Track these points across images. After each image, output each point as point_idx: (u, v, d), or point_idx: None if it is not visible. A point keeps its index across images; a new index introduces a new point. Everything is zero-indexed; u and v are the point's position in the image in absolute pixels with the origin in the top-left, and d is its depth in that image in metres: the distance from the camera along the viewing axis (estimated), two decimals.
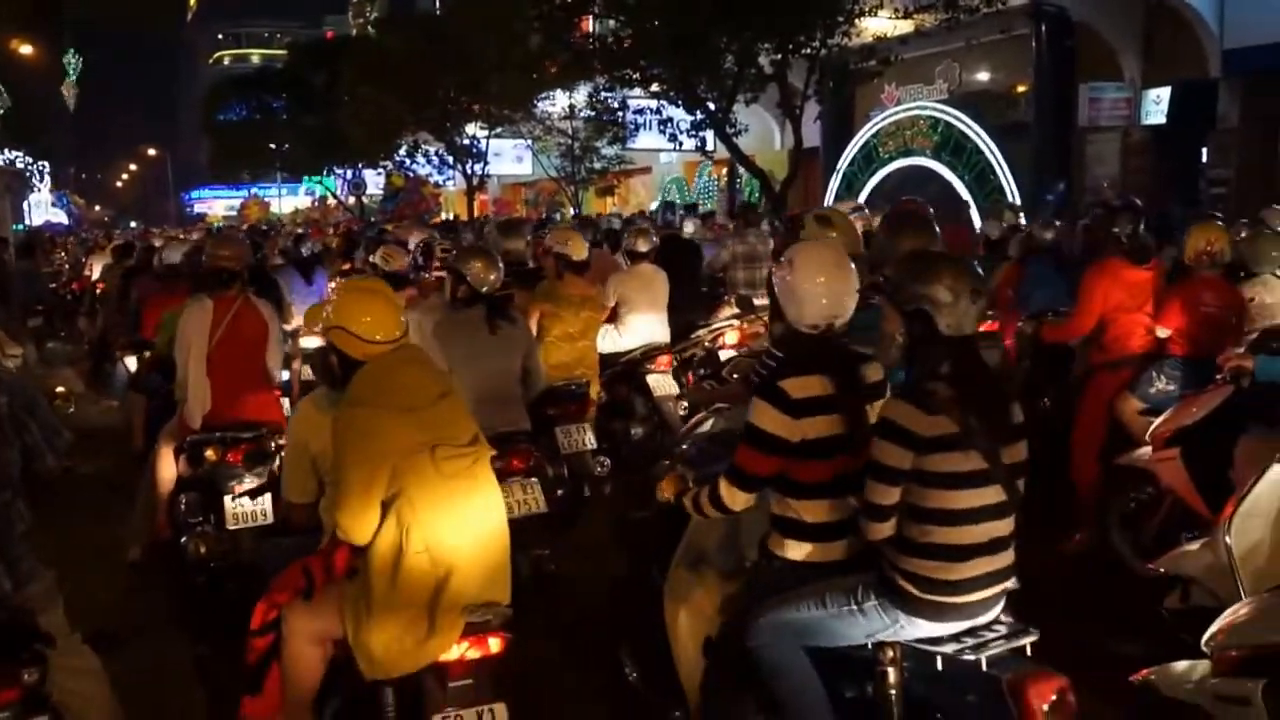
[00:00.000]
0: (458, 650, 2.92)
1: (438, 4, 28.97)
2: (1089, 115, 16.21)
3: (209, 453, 4.79)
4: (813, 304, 2.84)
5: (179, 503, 4.85)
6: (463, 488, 2.98)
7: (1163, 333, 5.22)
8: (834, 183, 17.48)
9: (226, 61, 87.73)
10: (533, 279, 6.13)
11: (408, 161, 27.15)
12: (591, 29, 18.73)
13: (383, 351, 3.07)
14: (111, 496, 6.14)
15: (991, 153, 15.40)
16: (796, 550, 2.83)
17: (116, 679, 3.23)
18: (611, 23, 16.87)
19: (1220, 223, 5.75)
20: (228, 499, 4.64)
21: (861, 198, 17.08)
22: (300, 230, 17.60)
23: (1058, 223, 9.13)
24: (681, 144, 17.66)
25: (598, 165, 23.16)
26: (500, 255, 5.80)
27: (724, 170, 23.14)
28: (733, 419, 3.61)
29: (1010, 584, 2.70)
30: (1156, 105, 16.10)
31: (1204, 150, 15.36)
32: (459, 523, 2.95)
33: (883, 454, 2.57)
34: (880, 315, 2.80)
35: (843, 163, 17.35)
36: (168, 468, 5.05)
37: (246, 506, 4.60)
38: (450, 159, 25.91)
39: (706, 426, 3.94)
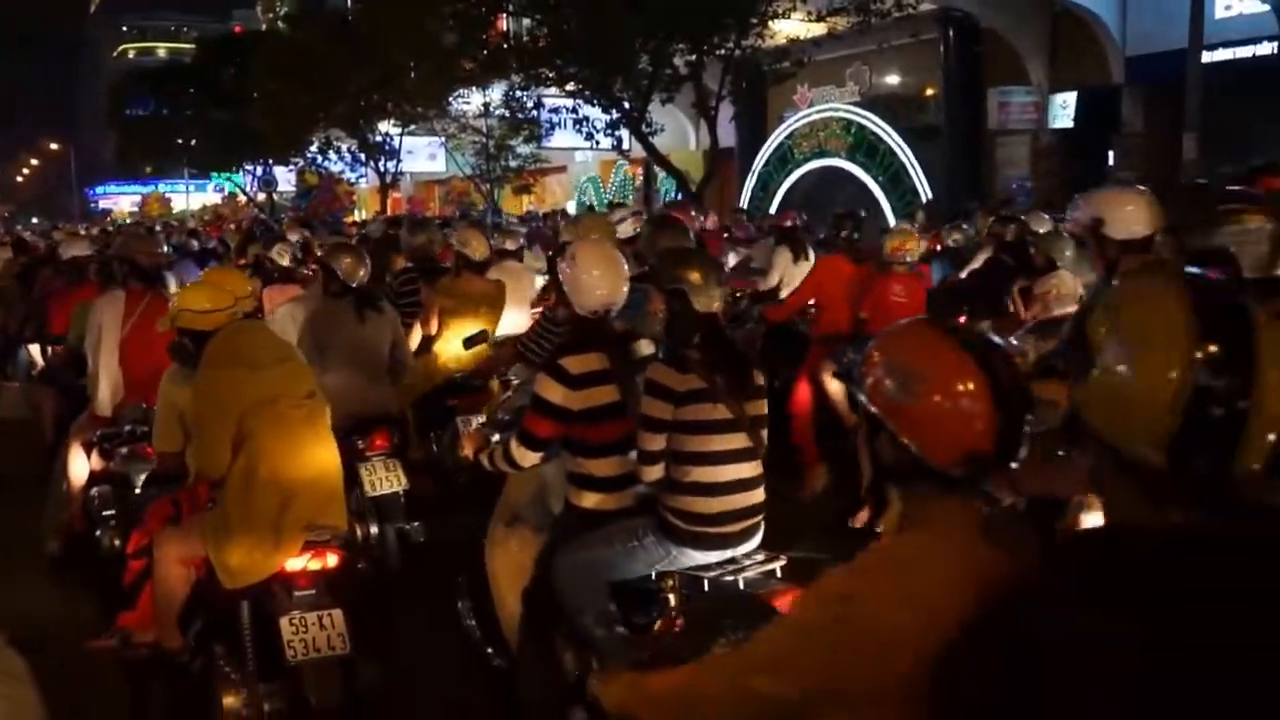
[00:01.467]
0: (300, 562, 3.45)
1: (349, 1, 28.40)
2: (998, 119, 16.51)
3: (119, 447, 4.88)
4: (589, 293, 3.28)
5: (92, 497, 5.03)
6: (301, 432, 3.57)
7: (864, 315, 6.07)
8: (750, 183, 17.56)
9: (132, 55, 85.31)
10: (437, 275, 6.29)
11: (320, 159, 26.61)
12: (507, 28, 18.53)
13: (222, 320, 3.71)
14: (28, 488, 6.04)
15: (904, 154, 15.61)
16: (589, 500, 3.29)
17: (39, 678, 3.15)
18: (527, 22, 16.72)
19: (910, 227, 7.22)
20: (139, 492, 4.74)
21: (777, 198, 17.18)
22: (193, 227, 17.19)
23: (965, 225, 9.25)
24: (598, 143, 17.58)
25: (513, 164, 22.93)
26: (408, 252, 6.40)
27: (640, 169, 23.09)
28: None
29: (760, 519, 3.19)
30: (1064, 110, 16.47)
31: (1110, 153, 15.77)
32: (299, 460, 3.54)
33: (649, 408, 3.09)
34: (645, 296, 3.36)
35: (758, 163, 17.44)
36: (79, 463, 5.20)
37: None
38: (363, 156, 25.45)
39: (519, 400, 4.40)
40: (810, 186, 16.80)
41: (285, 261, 7.26)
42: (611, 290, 3.27)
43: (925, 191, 14.86)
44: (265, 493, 3.46)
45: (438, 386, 5.69)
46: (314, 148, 26.33)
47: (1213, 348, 1.18)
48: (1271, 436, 1.17)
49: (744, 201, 17.10)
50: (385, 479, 4.83)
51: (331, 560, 3.48)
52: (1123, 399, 1.22)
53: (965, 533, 1.46)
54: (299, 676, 3.33)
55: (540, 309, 6.02)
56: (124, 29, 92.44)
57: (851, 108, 16.77)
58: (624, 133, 16.79)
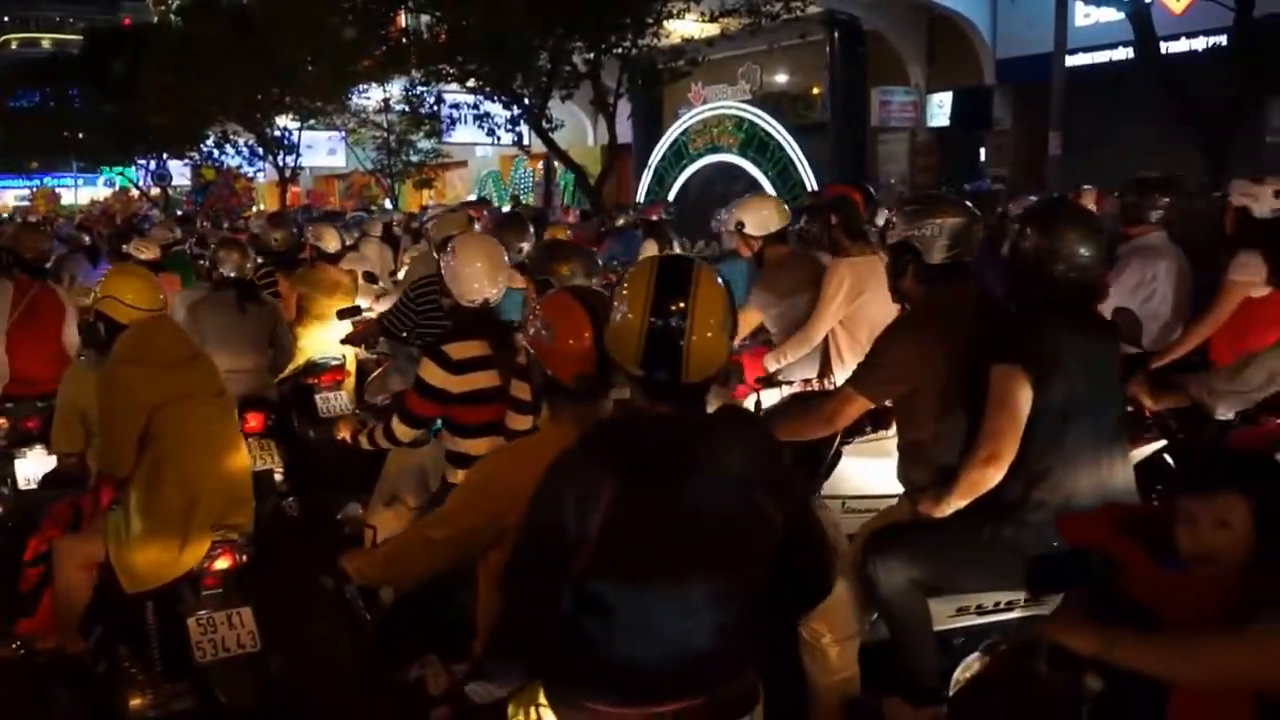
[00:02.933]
0: (207, 562, 3.45)
1: None
2: (880, 117, 17.28)
3: (1, 421, 5.10)
4: (469, 284, 3.52)
5: None
6: (210, 432, 3.58)
7: None
8: (646, 177, 17.98)
9: (14, 45, 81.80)
10: (295, 266, 6.83)
11: (216, 153, 26.22)
12: (406, 24, 18.64)
13: (143, 318, 3.64)
14: None
15: (792, 150, 16.20)
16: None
17: None
18: (426, 18, 16.87)
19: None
20: (19, 462, 4.98)
21: (673, 192, 17.66)
22: (78, 220, 17.08)
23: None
24: (499, 139, 17.83)
25: (414, 159, 22.99)
26: (268, 244, 7.04)
27: (540, 164, 23.39)
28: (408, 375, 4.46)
29: None
30: (940, 109, 17.31)
31: (982, 150, 16.66)
32: (208, 459, 3.54)
33: (516, 390, 3.30)
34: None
35: (654, 158, 17.87)
36: None
37: (35, 470, 4.86)
38: (261, 150, 25.18)
39: (395, 384, 4.92)
40: (704, 181, 17.31)
41: (144, 256, 7.39)
42: (490, 282, 3.51)
43: (812, 185, 15.49)
44: (172, 493, 3.43)
45: (298, 367, 6.14)
46: (210, 142, 25.95)
47: (662, 301, 1.95)
48: (689, 347, 1.93)
49: (640, 195, 17.54)
50: (259, 457, 5.16)
51: (238, 558, 3.48)
52: (618, 336, 2.01)
53: (578, 425, 2.18)
54: (207, 675, 3.34)
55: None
56: (5, 19, 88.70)
57: (743, 105, 17.32)
58: (524, 128, 17.07)
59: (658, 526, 1.93)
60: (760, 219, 4.78)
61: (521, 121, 16.79)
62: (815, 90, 18.89)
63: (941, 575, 2.89)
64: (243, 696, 3.33)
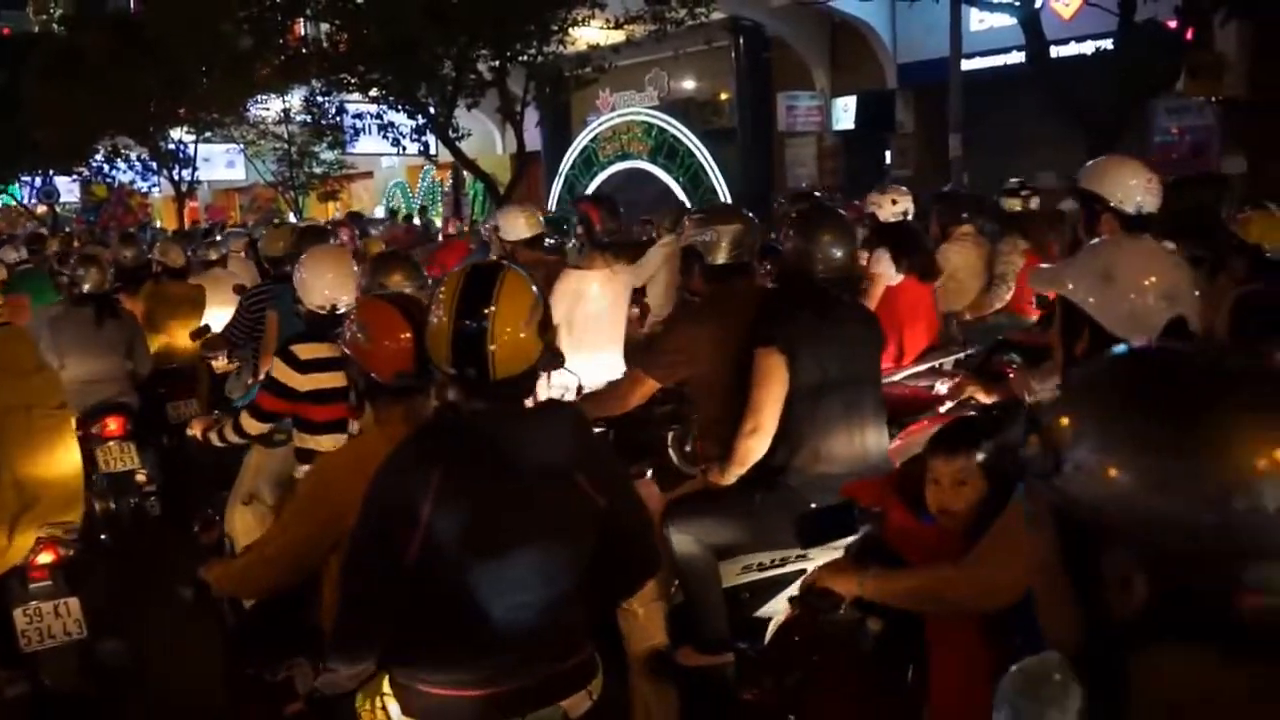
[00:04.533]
0: (32, 556, 3.68)
1: (133, 2, 27.10)
2: (787, 121, 17.52)
3: None
4: (317, 291, 3.81)
5: None
6: (49, 440, 3.79)
7: None
8: (557, 185, 17.99)
9: None
10: (142, 282, 7.18)
11: (106, 167, 25.30)
12: (305, 32, 18.27)
13: None
14: None
15: (702, 155, 16.38)
16: None
17: None
18: (326, 27, 16.56)
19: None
20: None
21: None
22: None
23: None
24: (404, 148, 17.58)
25: (317, 170, 22.55)
26: (120, 261, 7.27)
27: (448, 174, 23.16)
28: None
29: None
30: (845, 113, 17.65)
31: (887, 153, 17.02)
32: (43, 467, 3.76)
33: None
34: None
35: (564, 166, 17.89)
36: None
37: None
38: (155, 164, 24.39)
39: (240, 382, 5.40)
40: (616, 188, 17.38)
41: None
42: (336, 289, 3.80)
43: (723, 190, 15.65)
44: (8, 495, 3.63)
45: (148, 376, 6.47)
46: (99, 156, 25.03)
47: (467, 306, 2.11)
48: (494, 348, 2.10)
49: (552, 204, 17.52)
50: (119, 459, 5.63)
51: (63, 552, 3.73)
52: (432, 338, 2.17)
53: (405, 424, 2.40)
54: (36, 662, 3.63)
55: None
56: None
57: (651, 112, 17.46)
58: (430, 138, 16.87)
59: (482, 514, 2.06)
60: (512, 226, 5.67)
61: (427, 131, 16.59)
62: (723, 96, 19.09)
63: (727, 538, 3.27)
64: (68, 681, 3.64)
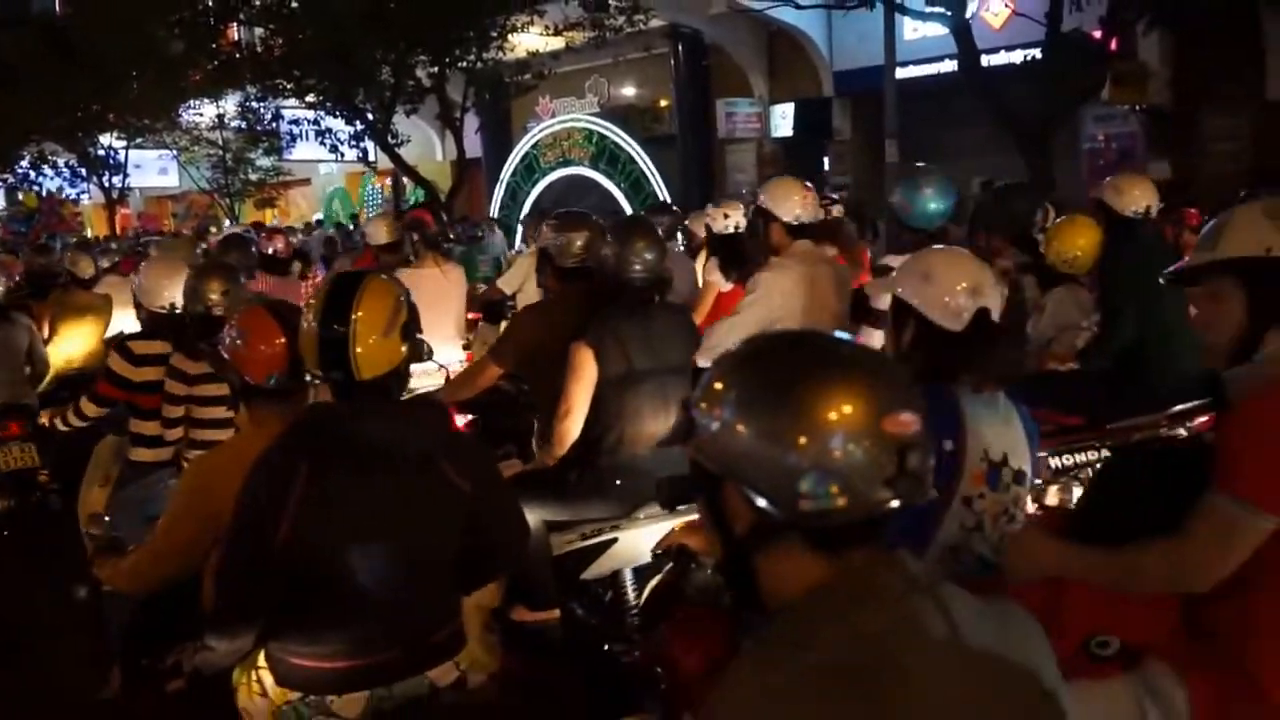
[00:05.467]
0: None
1: (57, 4, 26.48)
2: (726, 128, 17.69)
3: None
4: (156, 294, 4.29)
5: None
6: None
7: None
8: (498, 192, 17.93)
9: None
10: (50, 290, 7.31)
11: (33, 174, 24.68)
12: (239, 37, 18.04)
13: None
14: None
15: (643, 162, 16.43)
16: (139, 454, 4.21)
17: None
18: (260, 31, 16.36)
19: None
20: None
21: (526, 206, 17.65)
22: None
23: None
24: (343, 155, 17.42)
25: (253, 177, 22.24)
26: (33, 268, 7.53)
27: (387, 181, 23.00)
28: None
29: None
30: (783, 120, 17.84)
31: (825, 159, 17.26)
32: None
33: (170, 387, 4.03)
34: None
35: (505, 173, 17.84)
36: None
37: None
38: (84, 171, 23.84)
39: None
40: (558, 194, 17.36)
41: None
42: (175, 294, 4.22)
43: (664, 196, 15.74)
44: None
45: (51, 380, 6.60)
46: (25, 163, 24.41)
47: (330, 313, 2.29)
48: (358, 351, 2.28)
49: (494, 210, 17.48)
50: (19, 458, 5.88)
51: None
52: (302, 342, 2.39)
53: (280, 424, 2.45)
54: None
55: None
56: None
57: (592, 118, 17.49)
58: (369, 144, 16.75)
59: (348, 501, 2.24)
60: (374, 232, 6.68)
61: (365, 137, 16.47)
62: (663, 103, 19.20)
63: (553, 512, 3.63)
64: None
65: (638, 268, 3.68)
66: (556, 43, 15.55)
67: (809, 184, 4.39)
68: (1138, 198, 4.66)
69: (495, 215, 16.61)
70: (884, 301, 3.98)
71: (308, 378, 2.65)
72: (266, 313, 2.76)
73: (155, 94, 19.17)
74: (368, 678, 2.27)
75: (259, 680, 2.36)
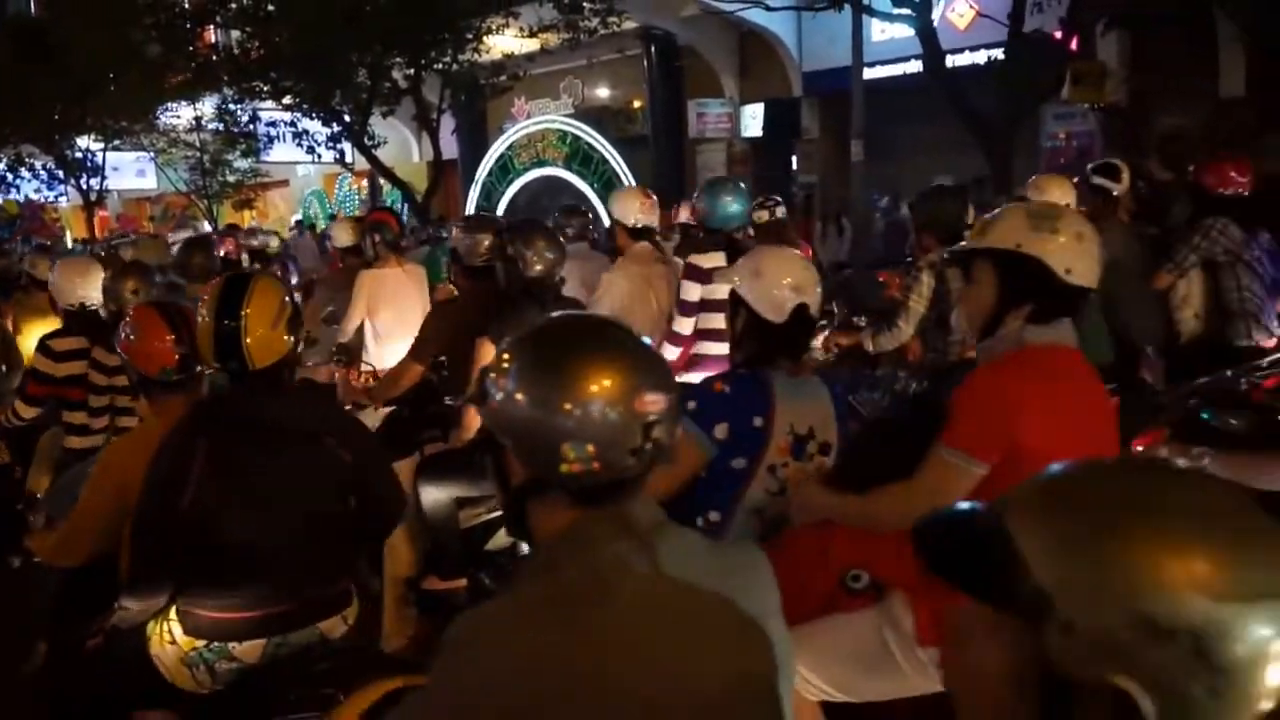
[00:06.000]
0: None
1: (33, 6, 26.44)
2: (697, 128, 17.90)
3: None
4: (70, 293, 4.61)
5: None
6: None
7: None
8: (473, 193, 18.12)
9: None
10: (12, 290, 7.68)
11: (10, 177, 24.64)
12: (215, 39, 18.12)
13: None
14: None
15: (616, 162, 16.66)
16: (73, 443, 4.46)
17: None
18: (237, 34, 16.47)
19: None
20: None
21: (501, 206, 17.85)
22: None
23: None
24: (320, 156, 17.55)
25: (231, 179, 22.31)
26: None
27: (365, 182, 23.13)
28: None
29: None
30: (753, 120, 18.07)
31: (794, 158, 17.50)
32: None
33: (93, 378, 4.33)
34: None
35: (481, 173, 18.02)
36: None
37: None
38: (61, 174, 23.82)
39: None
40: (532, 195, 17.57)
41: None
42: (86, 291, 4.60)
43: None
44: None
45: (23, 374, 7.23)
46: (2, 165, 24.38)
47: (223, 309, 2.61)
48: (249, 342, 2.60)
49: (470, 210, 17.65)
50: None
51: None
52: (199, 336, 2.71)
53: (177, 409, 2.82)
54: None
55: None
56: None
57: (567, 119, 17.69)
58: (346, 146, 16.89)
59: (242, 472, 2.56)
60: (338, 235, 7.10)
61: (342, 139, 16.60)
62: (636, 104, 19.42)
63: (461, 489, 3.95)
64: None
65: (539, 267, 4.08)
66: (531, 45, 15.73)
67: (650, 193, 5.08)
68: (1057, 197, 4.99)
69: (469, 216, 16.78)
70: (691, 293, 4.65)
71: (202, 369, 2.98)
72: (155, 313, 3.07)
73: (132, 96, 19.20)
74: (265, 627, 2.59)
75: (169, 631, 2.63)
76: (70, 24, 18.13)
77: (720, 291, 4.20)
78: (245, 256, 8.76)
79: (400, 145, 21.22)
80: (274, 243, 10.97)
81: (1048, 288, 2.32)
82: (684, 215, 7.78)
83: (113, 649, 2.77)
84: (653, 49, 18.19)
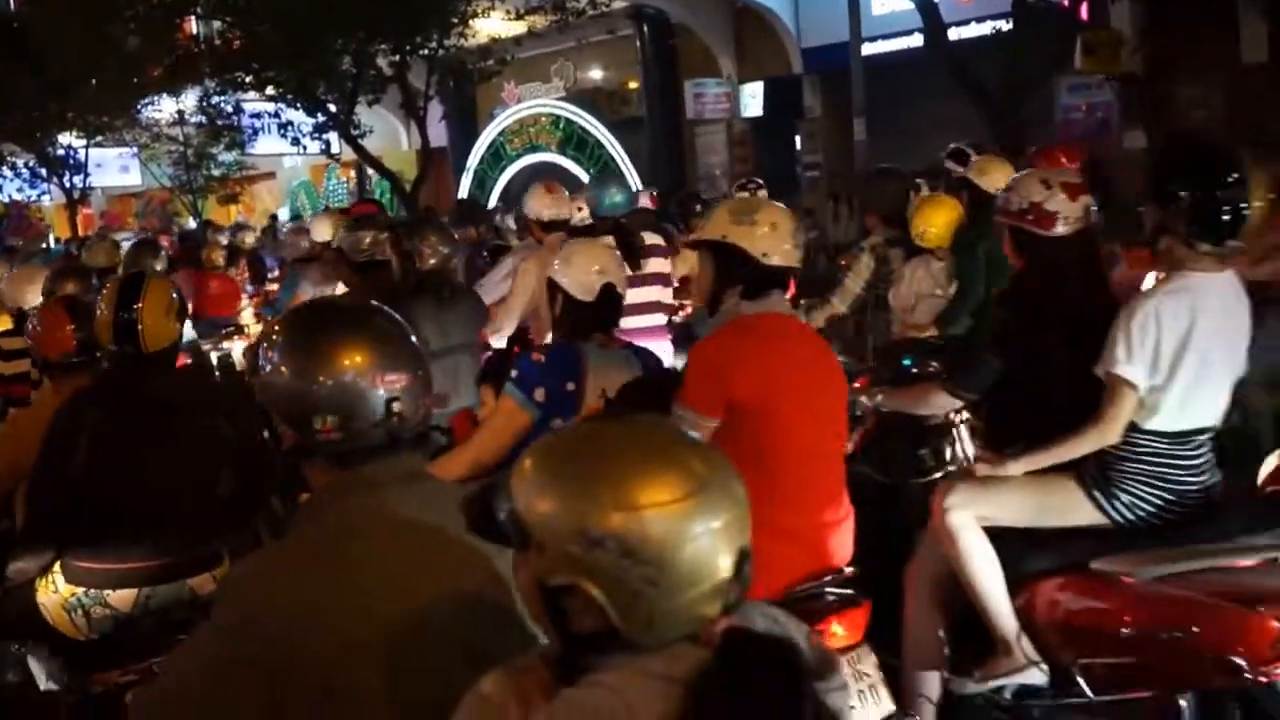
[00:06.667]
0: None
1: (11, 2, 25.94)
2: (695, 109, 17.41)
3: None
4: (20, 295, 4.86)
5: None
6: None
7: None
8: (466, 180, 17.69)
9: None
10: None
11: None
12: (196, 31, 17.68)
13: None
14: None
15: (611, 146, 16.21)
16: None
17: None
18: (218, 24, 16.02)
19: None
20: None
21: (494, 195, 17.41)
22: None
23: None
24: (306, 147, 17.10)
25: (216, 172, 21.87)
26: None
27: (352, 172, 22.66)
28: None
29: None
30: (753, 99, 17.62)
31: (796, 137, 17.04)
32: None
33: (35, 375, 4.44)
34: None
35: (472, 160, 17.59)
36: None
37: None
38: (44, 171, 23.37)
39: None
40: (526, 181, 17.08)
41: None
42: (29, 296, 4.88)
43: (635, 180, 15.52)
44: None
45: None
46: None
47: (122, 301, 3.11)
48: (143, 328, 3.09)
49: (460, 199, 17.21)
50: None
51: None
52: (99, 326, 3.21)
53: (73, 387, 3.24)
54: None
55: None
56: None
57: (559, 103, 17.24)
58: (332, 136, 16.46)
59: (128, 441, 3.00)
60: (318, 228, 7.17)
61: (328, 129, 16.18)
62: (630, 85, 18.93)
63: None
64: None
65: (433, 260, 4.45)
66: (519, 27, 15.30)
67: (556, 186, 5.50)
68: (997, 178, 5.06)
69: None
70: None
71: (99, 354, 3.37)
72: (60, 306, 3.60)
73: (113, 91, 18.78)
74: (136, 578, 3.02)
75: (53, 581, 3.07)
76: (49, 19, 17.67)
77: None
78: (223, 253, 9.22)
79: (388, 134, 20.75)
80: (250, 238, 10.88)
81: (752, 269, 2.84)
82: (644, 200, 8.31)
83: (6, 601, 3.12)
84: (645, 28, 17.68)
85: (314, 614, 1.51)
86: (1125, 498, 2.91)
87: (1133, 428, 2.90)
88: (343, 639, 1.50)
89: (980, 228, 5.00)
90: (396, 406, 1.62)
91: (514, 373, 3.10)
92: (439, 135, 17.76)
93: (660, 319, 5.47)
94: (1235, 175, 2.86)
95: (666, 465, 1.23)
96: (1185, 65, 11.65)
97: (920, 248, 5.23)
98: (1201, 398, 2.93)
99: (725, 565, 1.21)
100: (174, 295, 3.20)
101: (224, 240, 10.27)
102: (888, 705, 2.76)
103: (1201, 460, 2.98)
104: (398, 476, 1.66)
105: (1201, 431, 2.97)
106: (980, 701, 2.98)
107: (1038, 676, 2.89)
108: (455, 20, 14.31)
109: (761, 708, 1.16)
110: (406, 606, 1.54)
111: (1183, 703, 2.71)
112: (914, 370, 4.20)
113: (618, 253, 3.45)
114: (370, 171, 18.33)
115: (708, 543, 1.20)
